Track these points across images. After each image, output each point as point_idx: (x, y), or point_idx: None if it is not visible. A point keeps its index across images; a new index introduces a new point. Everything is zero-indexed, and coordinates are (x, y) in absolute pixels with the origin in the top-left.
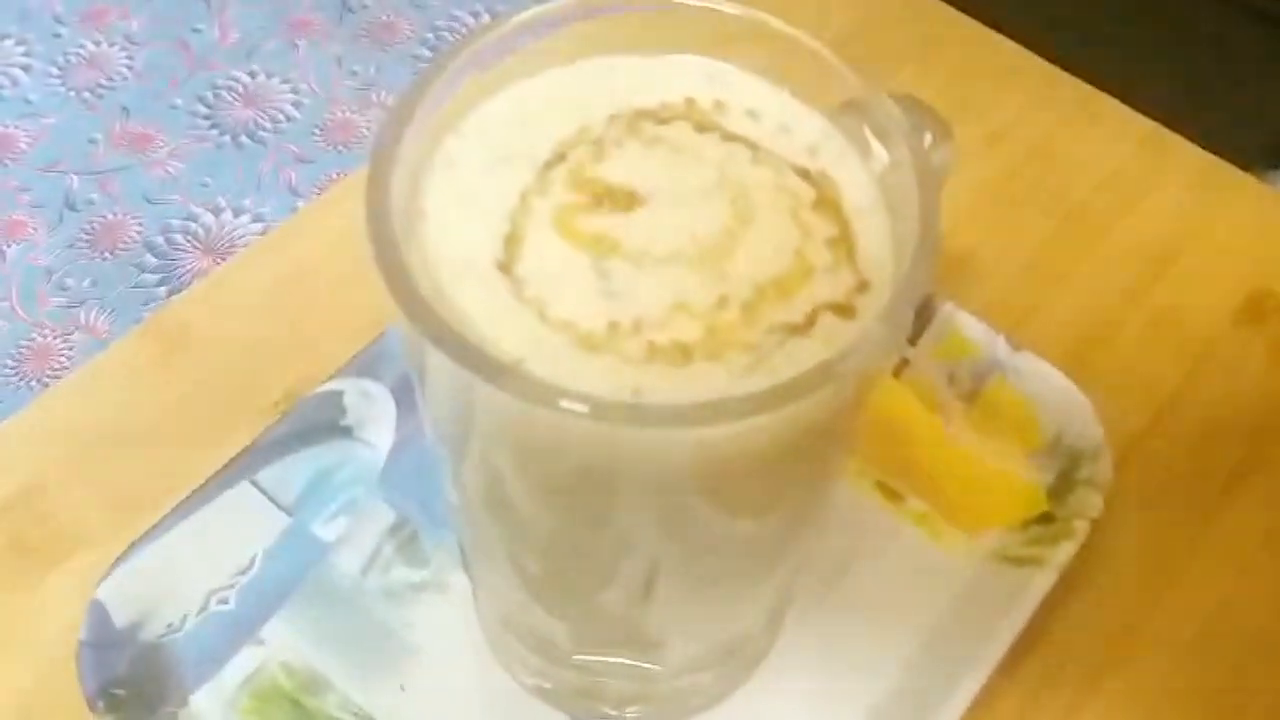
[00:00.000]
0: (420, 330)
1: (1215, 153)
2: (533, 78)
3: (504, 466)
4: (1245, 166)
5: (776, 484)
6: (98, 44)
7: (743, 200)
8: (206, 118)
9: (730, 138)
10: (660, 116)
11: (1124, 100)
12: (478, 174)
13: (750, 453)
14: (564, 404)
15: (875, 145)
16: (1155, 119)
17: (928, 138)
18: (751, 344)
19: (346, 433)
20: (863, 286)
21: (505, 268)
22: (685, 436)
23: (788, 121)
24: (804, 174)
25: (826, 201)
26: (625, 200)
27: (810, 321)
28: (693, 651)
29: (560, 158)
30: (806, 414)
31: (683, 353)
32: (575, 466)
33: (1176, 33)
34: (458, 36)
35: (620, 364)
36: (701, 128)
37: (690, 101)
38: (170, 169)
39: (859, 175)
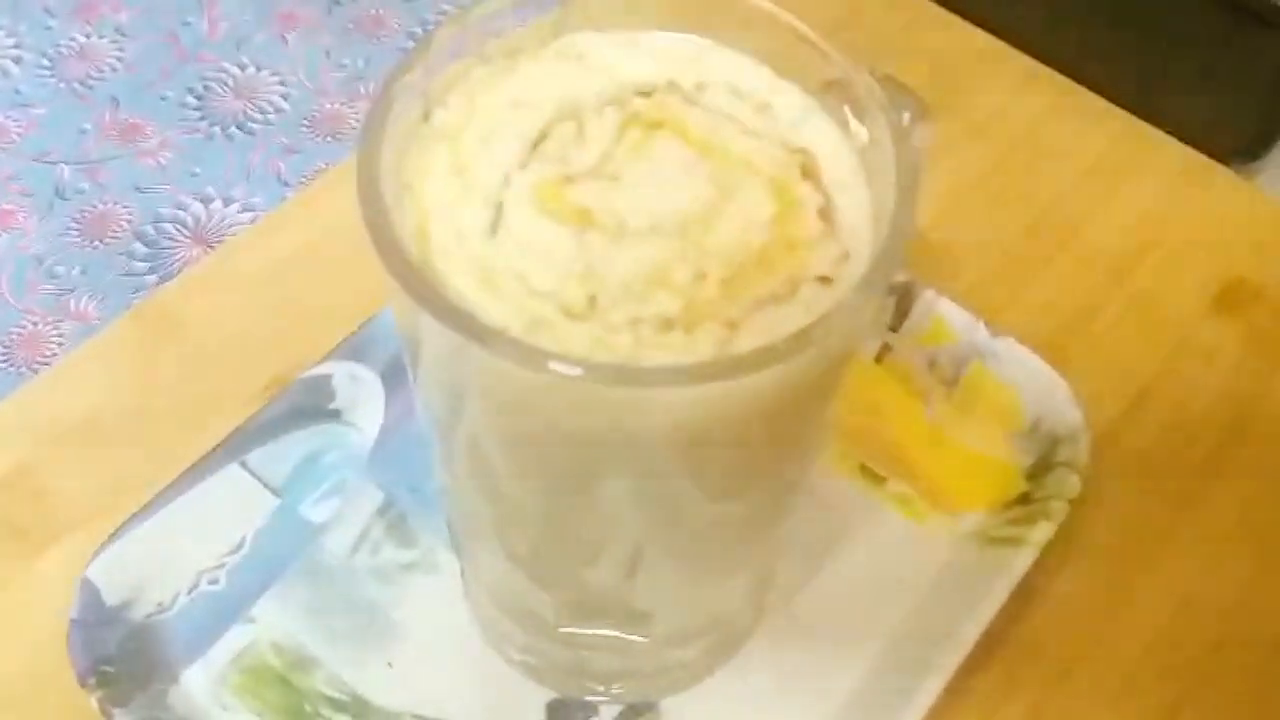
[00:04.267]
0: (415, 298)
1: (1191, 145)
2: (519, 55)
3: (492, 443)
4: (1221, 159)
5: (756, 459)
6: (88, 36)
7: (723, 175)
8: (196, 109)
9: (712, 113)
10: (643, 93)
11: (1102, 93)
12: (464, 149)
13: (730, 422)
14: (554, 365)
15: (855, 123)
16: (1132, 112)
17: (906, 116)
18: (731, 318)
19: (335, 416)
20: (844, 257)
21: (490, 240)
22: (671, 400)
23: (770, 99)
24: (786, 148)
25: (808, 175)
26: (607, 175)
27: (791, 290)
28: (678, 624)
29: (545, 134)
30: (786, 380)
31: (664, 324)
32: (563, 437)
33: (1153, 27)
34: None
35: (603, 333)
36: (684, 105)
37: (672, 82)
38: (160, 159)
39: (840, 151)
